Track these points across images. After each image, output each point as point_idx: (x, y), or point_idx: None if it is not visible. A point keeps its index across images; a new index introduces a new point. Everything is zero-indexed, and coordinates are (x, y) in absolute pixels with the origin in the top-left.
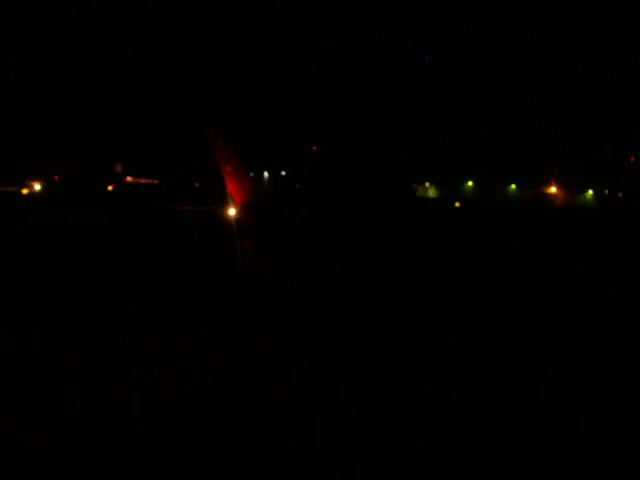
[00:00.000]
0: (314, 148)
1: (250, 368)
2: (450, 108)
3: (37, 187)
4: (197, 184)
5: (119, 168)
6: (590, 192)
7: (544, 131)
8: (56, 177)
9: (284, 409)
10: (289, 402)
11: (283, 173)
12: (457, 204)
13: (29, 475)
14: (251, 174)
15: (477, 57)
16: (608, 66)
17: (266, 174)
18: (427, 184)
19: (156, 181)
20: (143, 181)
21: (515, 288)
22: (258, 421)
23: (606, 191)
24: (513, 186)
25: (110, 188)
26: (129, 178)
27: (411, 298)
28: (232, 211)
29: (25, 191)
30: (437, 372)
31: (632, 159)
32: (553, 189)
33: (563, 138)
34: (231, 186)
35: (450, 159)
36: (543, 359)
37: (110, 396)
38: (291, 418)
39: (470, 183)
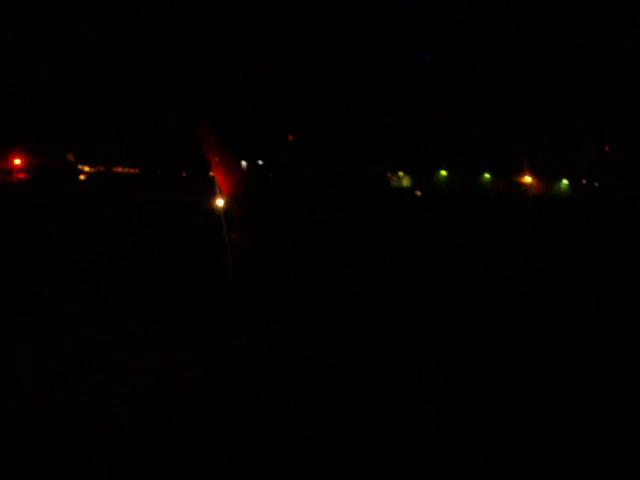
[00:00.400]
0: (289, 137)
1: (238, 363)
2: (423, 97)
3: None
4: (183, 173)
5: (71, 157)
6: (565, 181)
7: (518, 120)
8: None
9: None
10: (281, 399)
11: (260, 162)
12: (418, 193)
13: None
14: (243, 163)
15: (448, 45)
16: (582, 55)
17: (244, 163)
18: (401, 173)
19: (136, 169)
20: (121, 170)
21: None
22: (244, 419)
23: (584, 181)
24: (487, 175)
25: (82, 177)
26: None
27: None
28: (220, 202)
29: None
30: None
31: (607, 149)
32: (527, 178)
33: (537, 128)
34: (219, 176)
35: (423, 148)
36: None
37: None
38: (284, 417)
39: (444, 172)
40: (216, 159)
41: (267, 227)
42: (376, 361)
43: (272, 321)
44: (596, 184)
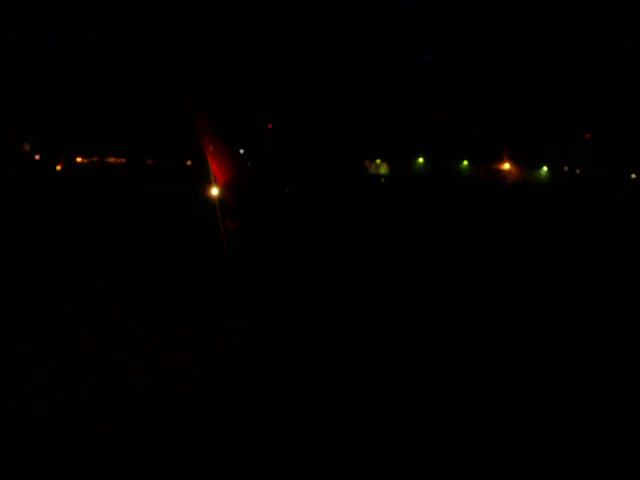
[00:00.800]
0: (269, 126)
1: (235, 361)
2: (402, 84)
3: None
4: (175, 163)
5: (27, 147)
6: (545, 168)
7: (496, 107)
8: None
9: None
10: (279, 398)
11: (241, 151)
12: (382, 180)
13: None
14: (240, 151)
15: (426, 34)
16: (562, 43)
17: (242, 151)
18: (378, 161)
19: (122, 159)
20: (109, 160)
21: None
22: (244, 415)
23: (566, 168)
24: (465, 162)
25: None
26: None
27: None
28: (215, 191)
29: None
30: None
31: (587, 136)
32: (506, 165)
33: (517, 114)
34: (213, 165)
35: (401, 136)
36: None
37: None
38: (282, 415)
39: (421, 159)
40: (211, 148)
41: (260, 216)
42: (373, 359)
43: (269, 318)
44: (577, 171)
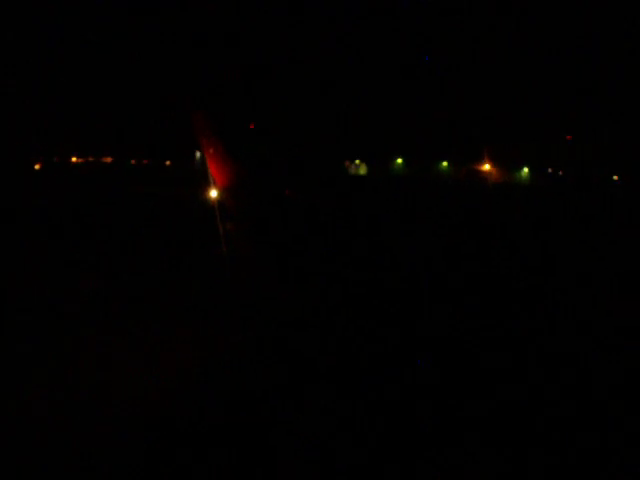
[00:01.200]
0: (251, 126)
1: (235, 357)
2: (381, 85)
3: None
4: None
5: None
6: (526, 170)
7: (477, 108)
8: None
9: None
10: (277, 395)
11: (195, 153)
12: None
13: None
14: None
15: (401, 33)
16: (541, 43)
17: (198, 154)
18: (357, 161)
19: (108, 159)
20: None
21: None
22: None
23: (550, 169)
24: (445, 163)
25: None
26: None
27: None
28: (214, 193)
29: None
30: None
31: (568, 138)
32: (486, 166)
33: (497, 116)
34: (213, 168)
35: (381, 136)
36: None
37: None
38: (282, 415)
39: (400, 160)
40: (210, 151)
41: (260, 218)
42: (373, 359)
43: (269, 318)
44: (560, 173)
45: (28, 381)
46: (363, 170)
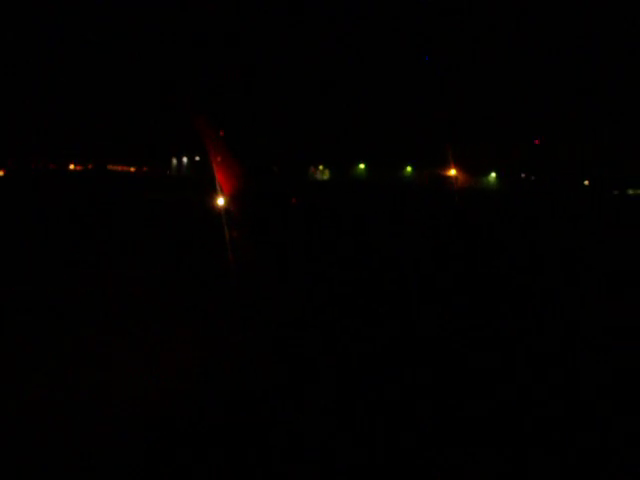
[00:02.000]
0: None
1: (235, 357)
2: (345, 90)
3: None
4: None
5: None
6: (493, 175)
7: (443, 112)
8: None
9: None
10: (277, 395)
11: (197, 159)
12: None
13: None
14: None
15: (372, 37)
16: (512, 46)
17: (185, 160)
18: (321, 167)
19: (89, 165)
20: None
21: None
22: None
23: (523, 175)
24: (409, 168)
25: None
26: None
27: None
28: (221, 201)
29: None
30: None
31: (537, 142)
32: (452, 171)
33: (465, 120)
34: (220, 175)
35: (343, 142)
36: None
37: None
38: (283, 416)
39: (362, 165)
40: (218, 158)
41: (267, 224)
42: (373, 359)
43: (269, 318)
44: (532, 178)
45: (28, 381)
46: (326, 175)
